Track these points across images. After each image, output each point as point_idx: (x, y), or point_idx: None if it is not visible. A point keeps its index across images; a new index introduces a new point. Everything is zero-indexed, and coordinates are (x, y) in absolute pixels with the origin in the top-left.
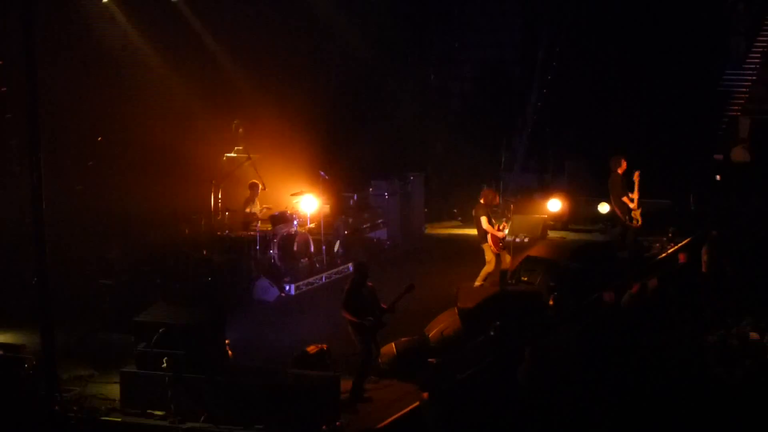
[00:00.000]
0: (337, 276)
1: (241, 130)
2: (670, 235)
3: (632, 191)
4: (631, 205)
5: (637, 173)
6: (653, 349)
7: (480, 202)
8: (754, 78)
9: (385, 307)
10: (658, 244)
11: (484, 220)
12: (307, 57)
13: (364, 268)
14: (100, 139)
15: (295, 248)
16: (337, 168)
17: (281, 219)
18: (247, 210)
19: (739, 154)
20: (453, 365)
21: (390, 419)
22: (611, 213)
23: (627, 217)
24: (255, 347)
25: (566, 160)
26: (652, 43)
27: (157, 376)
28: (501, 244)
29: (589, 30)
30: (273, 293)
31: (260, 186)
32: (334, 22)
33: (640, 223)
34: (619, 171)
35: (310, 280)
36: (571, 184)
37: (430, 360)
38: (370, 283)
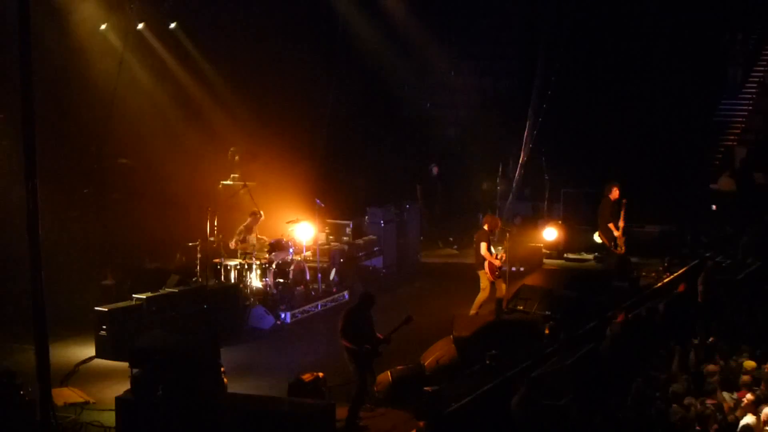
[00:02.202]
0: (333, 304)
1: (237, 157)
2: (665, 264)
3: (619, 218)
4: (616, 233)
5: (624, 201)
6: (646, 379)
7: (482, 228)
8: (750, 108)
9: (381, 337)
10: (654, 273)
11: (483, 246)
12: (304, 85)
13: (370, 299)
14: (86, 191)
15: (290, 276)
16: (333, 196)
17: (277, 246)
18: (245, 238)
19: (725, 183)
20: (448, 394)
21: None
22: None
23: (612, 244)
24: (250, 375)
25: (562, 188)
26: (649, 72)
27: (152, 403)
28: (497, 273)
29: (586, 59)
30: (268, 321)
31: (260, 215)
32: (331, 51)
33: (623, 250)
34: (611, 197)
35: (306, 307)
36: (567, 213)
37: (425, 388)
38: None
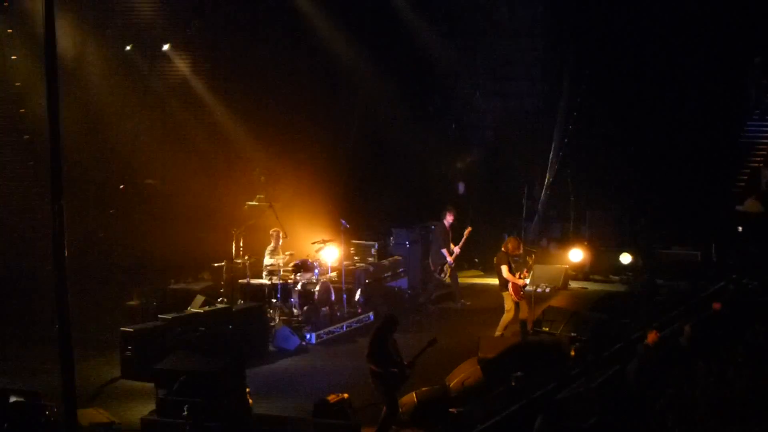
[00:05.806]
0: (358, 325)
1: (263, 178)
2: None
3: (456, 244)
4: (450, 258)
5: (468, 229)
6: (675, 400)
7: (502, 251)
8: None
9: (407, 363)
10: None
11: (504, 268)
12: (329, 107)
13: (393, 320)
14: (122, 187)
15: (315, 297)
16: (358, 216)
17: (302, 267)
18: (272, 260)
19: (751, 204)
20: (474, 415)
21: None
22: (633, 263)
23: (439, 268)
24: (275, 396)
25: (587, 209)
26: (674, 94)
27: (177, 424)
28: (521, 293)
29: (611, 80)
30: (293, 342)
31: (282, 235)
32: (356, 72)
33: (447, 276)
34: (445, 222)
35: (331, 328)
36: (592, 234)
37: (450, 410)
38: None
